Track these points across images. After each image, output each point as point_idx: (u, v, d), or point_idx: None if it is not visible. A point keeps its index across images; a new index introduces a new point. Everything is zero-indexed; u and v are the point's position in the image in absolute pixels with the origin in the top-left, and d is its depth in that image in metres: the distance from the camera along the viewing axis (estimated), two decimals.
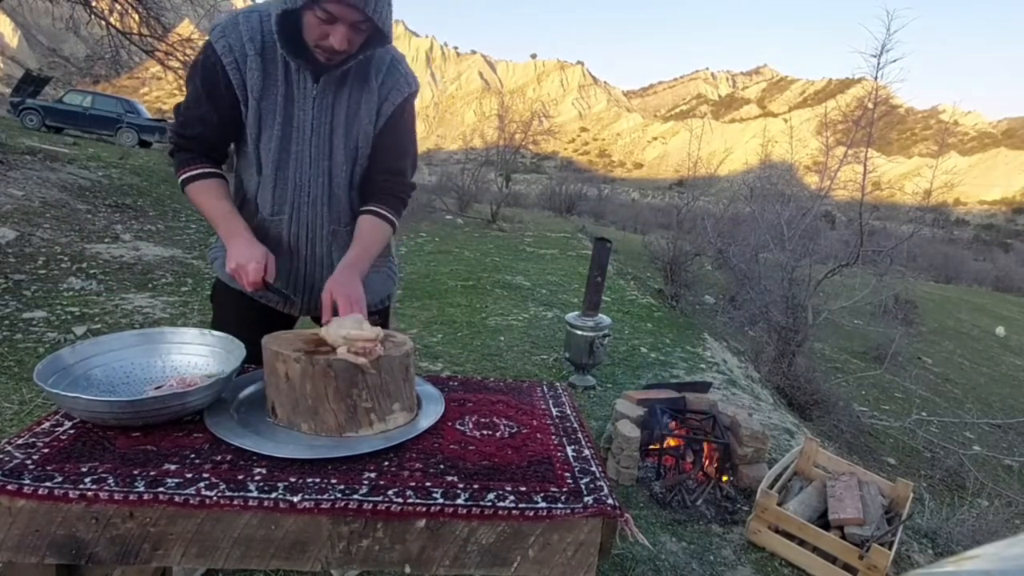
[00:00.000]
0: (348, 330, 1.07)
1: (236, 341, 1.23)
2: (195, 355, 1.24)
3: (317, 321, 1.57)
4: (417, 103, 1.56)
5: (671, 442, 2.74)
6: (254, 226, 1.39)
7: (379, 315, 1.56)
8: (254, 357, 1.19)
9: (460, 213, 13.50)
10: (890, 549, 2.11)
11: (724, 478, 2.66)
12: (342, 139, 1.37)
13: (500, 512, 0.91)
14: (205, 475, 0.91)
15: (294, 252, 1.41)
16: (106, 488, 0.86)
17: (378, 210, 1.41)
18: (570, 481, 1.00)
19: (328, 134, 1.35)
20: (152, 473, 0.90)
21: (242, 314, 1.43)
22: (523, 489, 0.96)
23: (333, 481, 0.92)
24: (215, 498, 0.87)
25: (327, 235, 1.42)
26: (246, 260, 1.23)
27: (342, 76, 1.32)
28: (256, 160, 1.35)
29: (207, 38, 1.29)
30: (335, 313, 1.18)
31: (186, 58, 9.68)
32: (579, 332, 3.61)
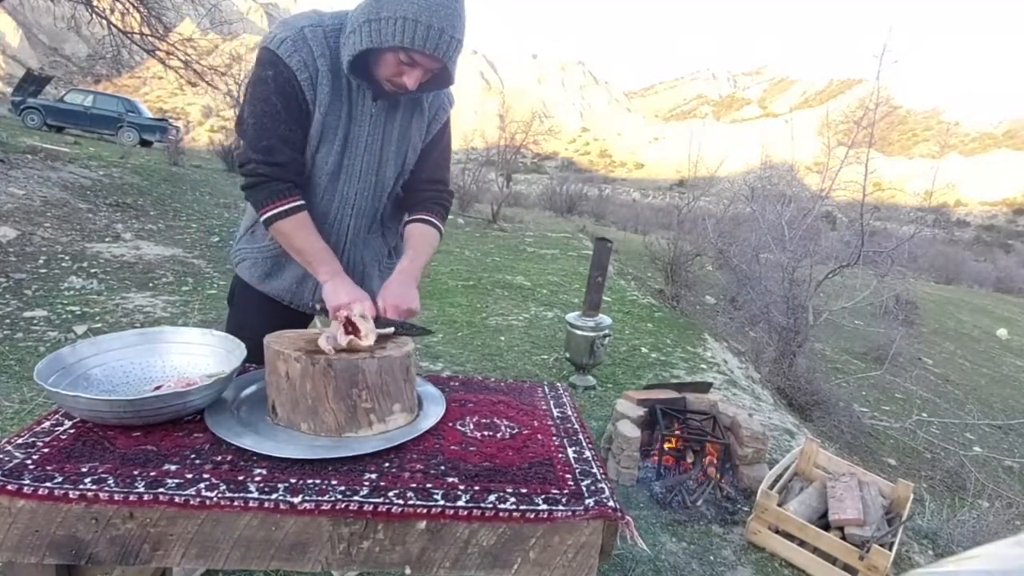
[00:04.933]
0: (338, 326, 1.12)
1: (236, 341, 1.23)
2: (195, 354, 1.24)
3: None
4: None
5: (671, 443, 2.74)
6: None
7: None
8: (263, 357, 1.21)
9: (461, 213, 13.50)
10: (890, 550, 2.11)
11: (724, 478, 2.65)
12: (393, 155, 1.41)
13: (501, 514, 0.91)
14: (205, 476, 0.91)
15: None
16: (106, 488, 0.86)
17: (427, 218, 1.48)
18: (571, 483, 1.00)
19: (379, 150, 1.39)
20: (152, 473, 0.90)
21: (264, 315, 1.45)
22: (524, 491, 0.96)
23: (334, 482, 0.92)
24: (215, 499, 0.86)
25: (360, 241, 1.47)
26: (361, 297, 1.24)
27: (396, 98, 1.36)
28: (308, 170, 1.36)
29: (268, 51, 1.25)
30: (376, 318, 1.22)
31: (187, 57, 9.67)
32: (580, 332, 3.61)
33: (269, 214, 1.28)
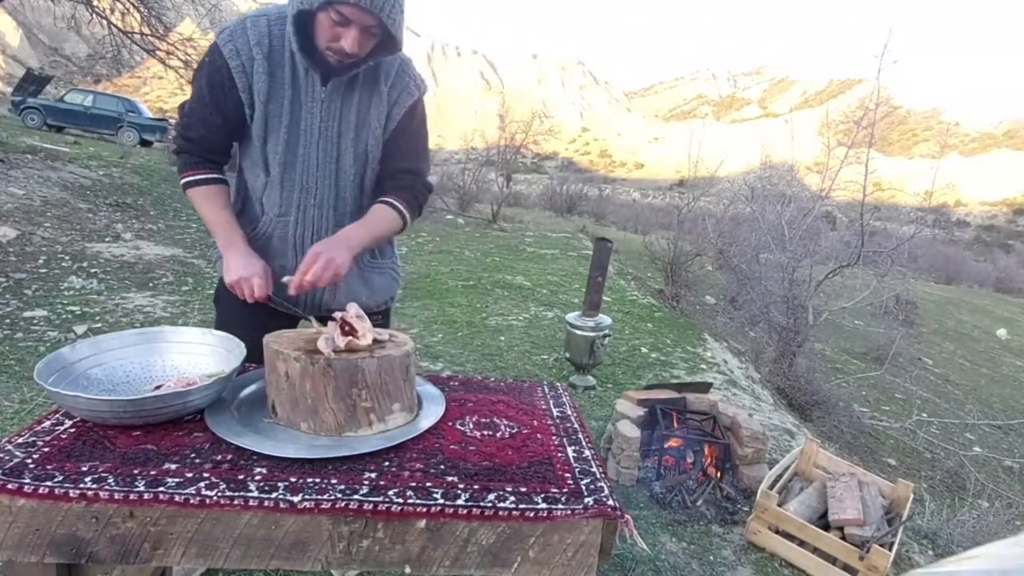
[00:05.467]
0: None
1: (236, 340, 1.23)
2: (195, 354, 1.24)
3: (322, 320, 1.59)
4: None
5: (671, 442, 2.74)
6: (260, 226, 1.41)
7: (381, 315, 1.56)
8: (257, 357, 1.20)
9: (461, 213, 13.50)
10: (890, 550, 2.11)
11: (724, 478, 2.65)
12: (351, 143, 1.38)
13: (500, 513, 0.91)
14: (205, 475, 0.91)
15: (298, 252, 1.41)
16: (106, 487, 0.86)
17: (390, 200, 1.42)
18: (571, 482, 1.00)
19: (336, 137, 1.36)
20: (152, 472, 0.90)
21: (246, 314, 1.43)
22: (523, 490, 0.96)
23: (333, 481, 0.92)
24: (215, 498, 0.87)
25: (330, 235, 1.43)
26: (249, 274, 1.27)
27: (351, 80, 1.34)
28: (263, 162, 1.36)
29: (214, 40, 1.30)
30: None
31: (187, 57, 9.68)
32: (579, 332, 3.61)
33: (183, 181, 1.39)
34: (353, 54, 1.24)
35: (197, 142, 1.37)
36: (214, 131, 1.36)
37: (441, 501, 0.91)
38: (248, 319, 1.39)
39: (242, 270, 1.27)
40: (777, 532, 2.28)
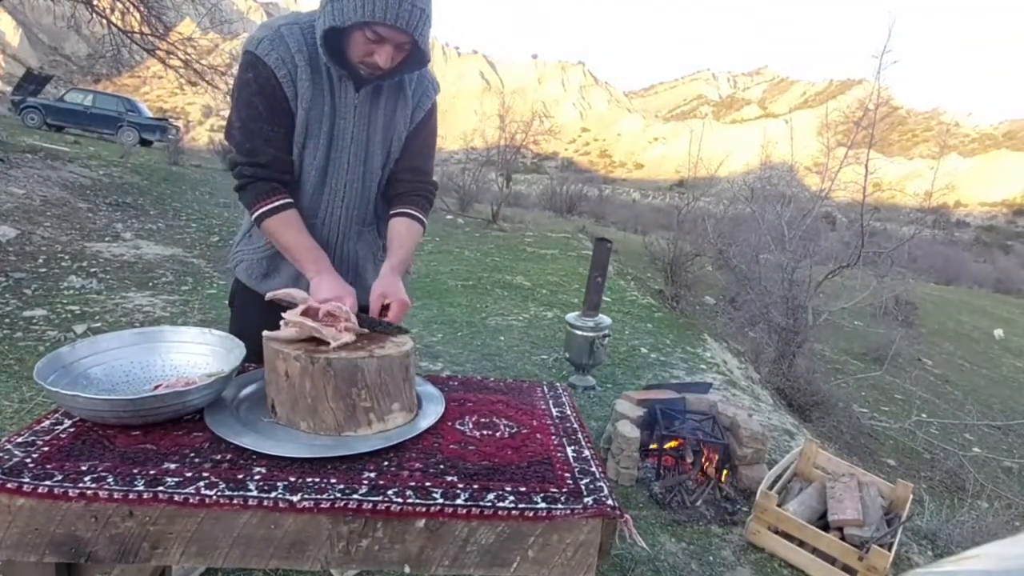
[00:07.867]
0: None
1: (236, 340, 1.23)
2: (195, 354, 1.24)
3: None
4: None
5: (671, 443, 2.74)
6: None
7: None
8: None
9: (461, 213, 13.50)
10: (889, 550, 2.11)
11: (723, 478, 2.66)
12: (379, 145, 1.42)
13: (500, 512, 0.91)
14: (205, 474, 0.91)
15: None
16: (106, 487, 0.86)
17: (410, 211, 1.45)
18: (570, 482, 1.00)
19: (365, 141, 1.40)
20: (152, 472, 0.90)
21: (266, 316, 1.40)
22: (523, 489, 0.96)
23: (333, 480, 0.92)
24: (215, 497, 0.87)
25: (353, 235, 1.47)
26: (344, 294, 1.24)
27: (378, 85, 1.37)
28: (297, 167, 1.37)
29: (248, 54, 1.27)
30: (382, 313, 1.26)
31: (187, 57, 9.66)
32: (579, 332, 3.61)
33: (256, 213, 1.31)
34: (386, 69, 1.27)
35: (270, 165, 1.31)
36: (279, 147, 1.32)
37: (440, 501, 0.91)
38: (265, 322, 1.37)
39: (335, 290, 1.25)
40: (777, 532, 2.28)
